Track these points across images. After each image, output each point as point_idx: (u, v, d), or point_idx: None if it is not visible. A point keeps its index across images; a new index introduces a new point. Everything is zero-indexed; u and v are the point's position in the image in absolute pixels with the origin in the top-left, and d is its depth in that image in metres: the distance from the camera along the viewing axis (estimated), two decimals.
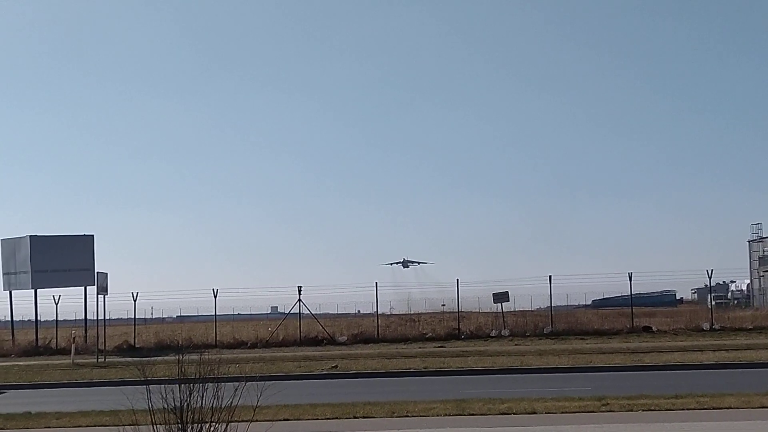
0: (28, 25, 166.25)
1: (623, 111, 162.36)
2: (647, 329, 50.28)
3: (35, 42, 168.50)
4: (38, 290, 55.36)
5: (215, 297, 53.77)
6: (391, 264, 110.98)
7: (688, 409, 20.54)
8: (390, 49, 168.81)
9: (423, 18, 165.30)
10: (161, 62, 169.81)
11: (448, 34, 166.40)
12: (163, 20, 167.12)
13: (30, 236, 55.66)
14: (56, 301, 54.63)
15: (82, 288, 54.70)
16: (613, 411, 20.60)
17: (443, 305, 62.14)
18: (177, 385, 14.15)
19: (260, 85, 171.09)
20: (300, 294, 53.91)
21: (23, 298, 57.49)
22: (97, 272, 47.31)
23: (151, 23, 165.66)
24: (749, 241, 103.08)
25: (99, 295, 45.89)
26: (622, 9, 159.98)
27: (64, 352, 49.53)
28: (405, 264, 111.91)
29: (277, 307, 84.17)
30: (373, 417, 21.17)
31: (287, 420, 20.74)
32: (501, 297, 53.92)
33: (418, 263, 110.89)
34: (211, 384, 14.24)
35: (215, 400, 14.16)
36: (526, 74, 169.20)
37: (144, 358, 37.07)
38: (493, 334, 50.90)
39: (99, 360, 44.11)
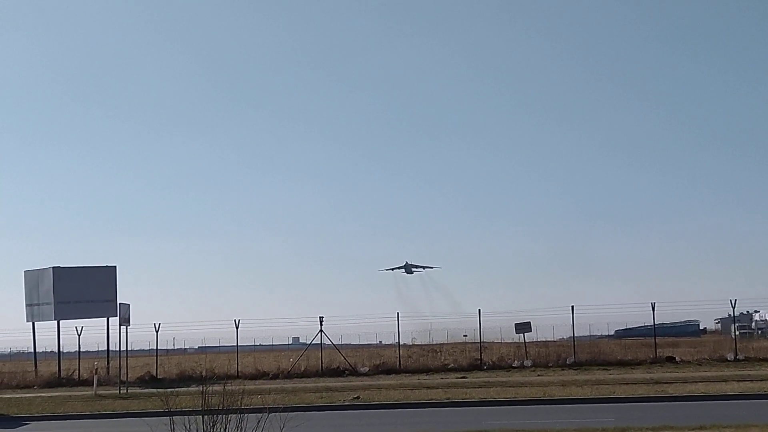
0: (53, 61, 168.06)
1: (646, 140, 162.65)
2: (671, 359, 49.97)
3: (58, 78, 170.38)
4: (61, 321, 55.54)
5: (237, 328, 53.85)
6: (393, 269, 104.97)
7: None
8: (410, 83, 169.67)
9: (442, 51, 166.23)
10: (183, 97, 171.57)
11: (467, 66, 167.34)
12: (185, 57, 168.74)
13: (53, 268, 55.92)
14: (79, 332, 54.78)
15: (105, 319, 54.85)
16: None
17: (465, 335, 61.99)
18: (200, 416, 14.16)
19: (282, 119, 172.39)
20: (321, 324, 53.93)
21: (46, 330, 57.72)
22: (120, 303, 47.41)
23: (173, 61, 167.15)
24: None
25: (121, 326, 45.97)
26: (645, 39, 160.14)
27: (86, 383, 49.58)
28: (408, 269, 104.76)
29: (298, 337, 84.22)
30: None
31: None
32: (523, 327, 53.74)
33: (423, 268, 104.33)
34: (234, 415, 14.25)
35: (238, 431, 14.17)
36: (545, 105, 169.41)
37: (166, 389, 37.07)
38: (515, 365, 50.69)
39: (121, 391, 44.13)
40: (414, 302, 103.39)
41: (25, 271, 58.14)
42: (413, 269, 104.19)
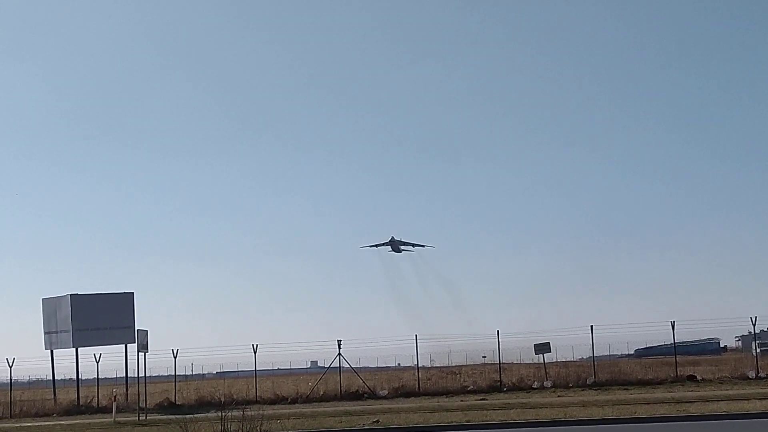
0: (69, 90, 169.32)
1: (665, 157, 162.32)
2: (692, 378, 49.63)
3: (73, 106, 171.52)
4: (79, 348, 55.55)
5: (255, 352, 53.77)
6: (376, 246, 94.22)
7: None
8: (426, 106, 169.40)
9: (455, 75, 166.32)
10: (200, 124, 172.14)
11: (483, 90, 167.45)
12: (202, 85, 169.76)
13: (71, 295, 55.97)
14: (97, 359, 54.77)
15: (123, 345, 54.85)
16: None
17: (484, 357, 61.76)
18: None
19: (299, 144, 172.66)
20: (340, 348, 53.80)
21: (64, 357, 57.71)
22: (138, 330, 47.43)
23: (190, 89, 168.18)
24: None
25: (139, 353, 45.95)
26: (663, 57, 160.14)
27: (105, 410, 49.53)
28: (395, 247, 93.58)
29: (317, 361, 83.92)
30: None
31: None
32: (542, 348, 53.51)
33: (413, 245, 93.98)
34: None
35: None
36: (563, 125, 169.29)
37: (185, 415, 36.97)
38: (535, 386, 50.41)
39: (140, 418, 44.03)
40: (407, 288, 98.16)
41: (42, 299, 58.25)
42: (401, 247, 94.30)
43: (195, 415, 34.62)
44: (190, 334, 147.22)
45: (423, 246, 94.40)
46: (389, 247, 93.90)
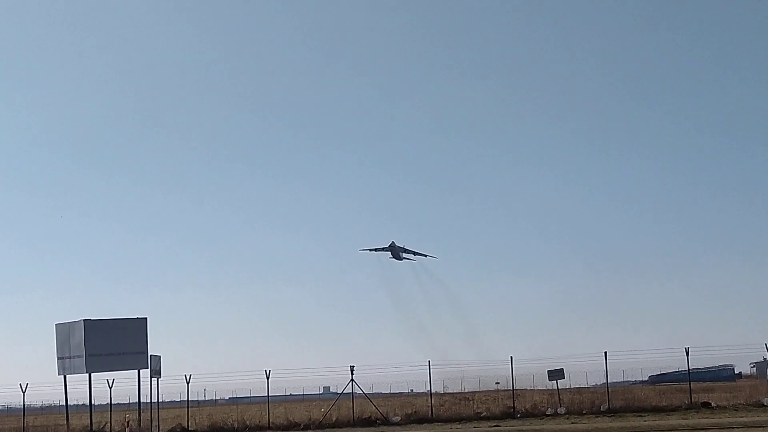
0: (77, 131, 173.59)
1: (681, 189, 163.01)
2: (706, 405, 49.31)
3: (82, 141, 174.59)
4: (92, 374, 55.54)
5: (268, 378, 53.67)
6: (375, 250, 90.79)
7: None
8: (423, 138, 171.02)
9: (433, 116, 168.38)
10: (210, 162, 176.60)
11: (494, 118, 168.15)
12: (204, 122, 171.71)
13: (84, 320, 56.01)
14: (110, 384, 54.75)
15: (136, 371, 54.82)
16: None
17: (497, 383, 61.51)
18: None
19: (307, 180, 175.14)
20: (352, 374, 53.64)
21: (77, 382, 57.70)
22: (151, 355, 47.46)
23: (196, 126, 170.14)
24: None
25: (152, 378, 45.95)
26: (657, 87, 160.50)
27: None
28: (396, 254, 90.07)
29: (329, 387, 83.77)
30: None
31: None
32: (556, 374, 53.28)
33: (414, 254, 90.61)
34: None
35: None
36: (575, 151, 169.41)
37: None
38: (549, 412, 50.19)
39: None
40: (380, 263, 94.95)
41: (56, 324, 58.29)
42: (402, 254, 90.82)
43: None
44: (202, 359, 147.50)
45: (425, 255, 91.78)
46: (389, 253, 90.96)
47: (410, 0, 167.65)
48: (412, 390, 78.01)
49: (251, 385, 67.16)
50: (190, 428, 52.79)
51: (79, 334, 55.71)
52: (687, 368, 53.22)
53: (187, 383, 54.62)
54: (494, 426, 44.76)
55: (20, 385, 55.70)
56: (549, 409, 50.92)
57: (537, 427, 42.23)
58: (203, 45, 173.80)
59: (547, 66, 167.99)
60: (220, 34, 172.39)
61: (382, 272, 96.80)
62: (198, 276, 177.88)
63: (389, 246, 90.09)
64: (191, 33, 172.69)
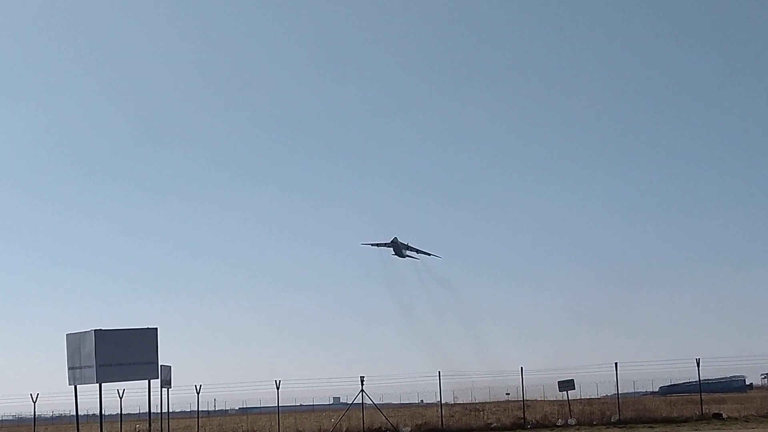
0: (87, 141, 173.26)
1: (693, 197, 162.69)
2: (717, 416, 49.18)
3: (93, 151, 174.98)
4: (102, 384, 55.53)
5: (278, 388, 53.64)
6: (378, 245, 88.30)
7: None
8: (425, 152, 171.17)
9: (440, 126, 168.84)
10: (218, 174, 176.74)
11: (477, 137, 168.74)
12: (213, 135, 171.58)
13: (95, 330, 55.93)
14: (120, 395, 54.78)
15: (146, 381, 54.77)
16: None
17: (507, 394, 61.38)
18: None
19: (315, 192, 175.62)
20: (363, 384, 53.60)
21: (87, 392, 57.62)
22: (161, 365, 47.40)
23: (207, 136, 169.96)
24: None
25: (163, 388, 45.96)
26: (663, 96, 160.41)
27: None
28: (398, 250, 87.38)
29: (339, 397, 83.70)
30: None
31: None
32: (567, 385, 53.20)
33: (417, 251, 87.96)
34: None
35: None
36: (583, 161, 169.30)
37: None
38: (559, 423, 50.13)
39: None
40: (382, 259, 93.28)
41: (67, 335, 58.23)
42: (405, 252, 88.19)
43: None
44: (213, 370, 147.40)
45: (428, 254, 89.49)
46: (391, 249, 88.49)
47: (413, 7, 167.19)
48: (422, 401, 77.95)
49: (261, 395, 67.20)
50: None
51: (90, 345, 55.53)
52: (698, 379, 53.07)
53: (198, 393, 54.67)
54: None
55: (31, 395, 55.86)
56: (559, 420, 50.85)
57: None
58: (207, 53, 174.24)
59: (555, 73, 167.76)
60: (223, 41, 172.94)
61: (384, 271, 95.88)
62: (208, 286, 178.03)
63: (392, 241, 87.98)
64: (195, 41, 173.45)
